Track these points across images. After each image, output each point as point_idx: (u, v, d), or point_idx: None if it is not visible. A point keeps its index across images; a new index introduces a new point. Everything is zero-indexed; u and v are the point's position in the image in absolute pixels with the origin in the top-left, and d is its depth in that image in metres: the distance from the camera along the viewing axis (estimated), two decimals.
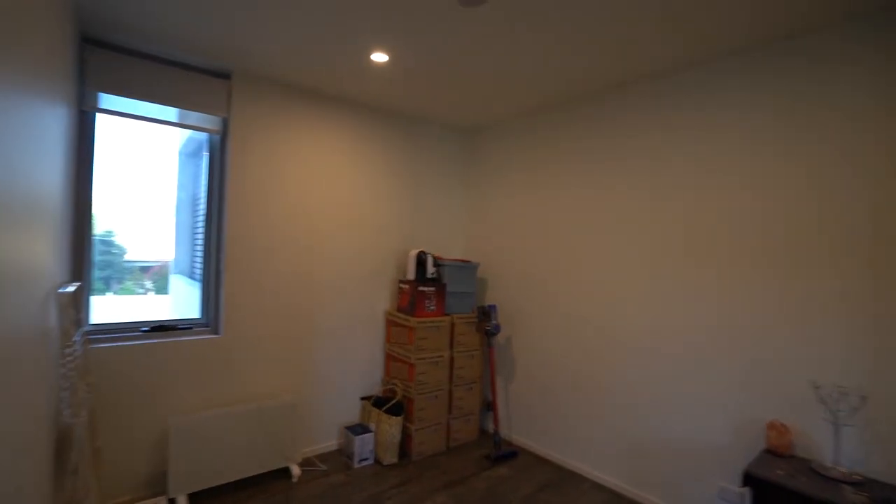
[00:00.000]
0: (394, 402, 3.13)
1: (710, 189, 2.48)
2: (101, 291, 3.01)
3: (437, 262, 3.43)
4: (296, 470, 2.82)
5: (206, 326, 2.91)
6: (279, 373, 3.02)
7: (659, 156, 2.70)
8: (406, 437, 3.16)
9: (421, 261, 3.36)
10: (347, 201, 3.30)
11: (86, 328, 2.47)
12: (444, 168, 3.90)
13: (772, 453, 2.14)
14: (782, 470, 1.97)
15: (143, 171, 3.16)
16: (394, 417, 3.05)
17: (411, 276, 3.37)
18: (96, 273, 2.96)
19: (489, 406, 3.52)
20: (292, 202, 3.05)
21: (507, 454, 3.23)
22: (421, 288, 3.26)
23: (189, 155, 3.37)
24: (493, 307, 3.43)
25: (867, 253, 1.99)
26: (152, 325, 2.71)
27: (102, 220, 2.89)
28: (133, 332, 2.64)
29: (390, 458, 3.06)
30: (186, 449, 2.49)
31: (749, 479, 1.96)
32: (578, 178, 3.13)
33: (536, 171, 3.41)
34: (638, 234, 2.79)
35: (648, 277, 2.73)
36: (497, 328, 3.40)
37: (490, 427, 3.56)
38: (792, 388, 2.17)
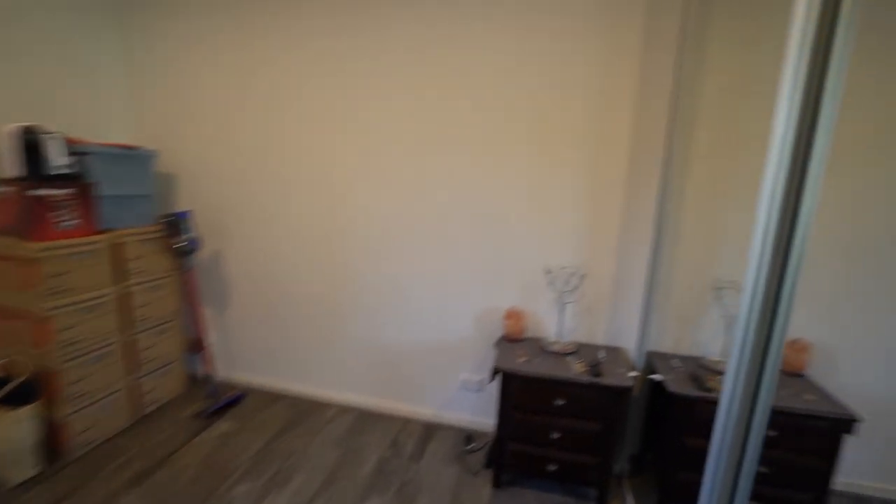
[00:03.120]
0: (15, 384, 1.88)
1: (450, 78, 2.09)
2: None
3: (76, 149, 2.06)
4: None
5: None
6: None
7: (400, 42, 2.10)
8: (53, 430, 2.02)
9: (32, 143, 1.93)
10: None
11: None
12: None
13: (509, 340, 2.18)
14: (522, 356, 2.00)
15: None
16: (19, 410, 1.85)
17: (16, 170, 1.93)
18: None
19: (197, 347, 2.64)
20: None
21: (229, 401, 2.52)
22: (40, 192, 1.91)
23: None
24: (184, 215, 2.39)
25: (590, 148, 2.01)
26: None
27: None
28: None
29: (24, 471, 1.90)
30: None
31: (497, 372, 1.92)
32: (306, 52, 2.25)
33: (249, 27, 2.31)
34: (370, 124, 2.23)
35: (383, 171, 2.26)
36: (194, 243, 2.42)
37: (202, 372, 2.72)
38: (526, 275, 2.21)
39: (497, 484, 2.00)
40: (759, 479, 1.71)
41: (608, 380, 1.81)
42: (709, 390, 1.75)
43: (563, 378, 1.84)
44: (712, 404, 1.73)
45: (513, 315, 2.18)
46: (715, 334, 2.03)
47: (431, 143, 2.19)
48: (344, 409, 2.54)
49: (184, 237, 2.38)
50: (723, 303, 1.98)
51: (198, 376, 2.79)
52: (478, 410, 2.41)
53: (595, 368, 1.87)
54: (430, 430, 2.40)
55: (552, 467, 1.92)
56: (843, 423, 1.65)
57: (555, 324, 2.20)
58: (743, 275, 1.93)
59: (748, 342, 1.05)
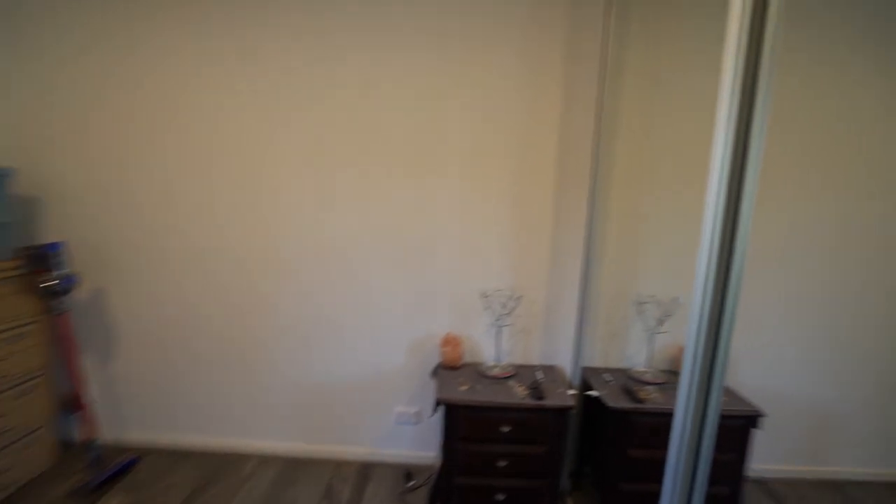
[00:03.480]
0: None
1: (380, 110, 2.01)
2: None
3: None
4: None
5: None
6: None
7: (322, 68, 1.98)
8: None
9: None
10: None
11: None
12: None
13: (447, 367, 2.11)
14: (463, 384, 1.94)
15: None
16: None
17: None
18: None
19: (73, 406, 2.17)
20: None
21: (119, 469, 2.10)
22: None
23: None
24: (54, 247, 1.97)
25: (519, 175, 2.05)
26: None
27: None
28: None
29: None
30: None
31: (440, 404, 1.83)
32: (210, 43, 2.01)
33: (125, 19, 2.00)
34: (292, 149, 2.06)
35: (307, 196, 2.10)
36: (68, 281, 2.01)
37: (82, 436, 2.25)
38: (461, 300, 2.16)
39: None
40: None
41: (550, 401, 1.82)
42: (641, 401, 1.83)
43: (508, 404, 1.81)
44: (646, 415, 1.81)
45: (450, 341, 2.11)
46: (639, 346, 2.16)
47: (357, 172, 2.07)
48: (266, 460, 2.26)
49: (54, 274, 1.96)
50: (645, 316, 2.11)
51: (75, 442, 2.30)
52: (416, 444, 2.29)
53: (536, 391, 1.88)
54: (366, 471, 2.22)
55: (500, 497, 1.87)
56: (752, 419, 1.83)
57: (491, 347, 2.18)
58: (660, 290, 2.09)
59: (698, 358, 1.09)
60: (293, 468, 2.21)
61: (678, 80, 1.96)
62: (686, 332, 1.12)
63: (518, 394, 1.87)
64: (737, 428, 1.84)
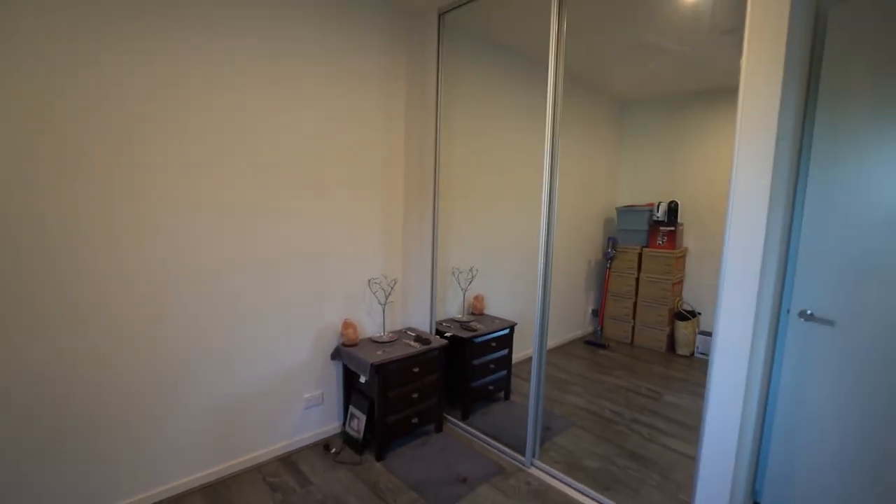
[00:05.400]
0: None
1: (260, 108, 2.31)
2: None
3: None
4: None
5: None
6: None
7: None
8: None
9: None
10: None
11: None
12: None
13: (348, 345, 2.63)
14: (376, 350, 2.56)
15: None
16: None
17: None
18: None
19: None
20: None
21: None
22: None
23: None
24: None
25: (385, 190, 2.81)
26: None
27: None
28: None
29: None
30: None
31: (374, 367, 2.41)
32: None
33: None
34: (183, 145, 2.06)
35: (199, 207, 2.14)
36: None
37: None
38: (349, 292, 2.71)
39: (379, 457, 2.48)
40: (490, 371, 3.12)
41: (435, 343, 2.73)
42: (475, 331, 3.00)
43: (415, 352, 2.60)
44: (480, 336, 2.99)
45: (350, 325, 2.64)
46: (453, 302, 3.32)
47: (252, 187, 2.28)
48: (174, 499, 2.08)
49: None
50: (456, 281, 3.29)
51: None
52: (322, 421, 2.65)
53: (423, 341, 2.73)
54: (290, 460, 2.43)
55: (415, 420, 2.63)
56: (512, 328, 3.32)
57: (369, 325, 2.83)
58: (462, 264, 3.30)
59: (541, 300, 2.33)
60: (217, 493, 2.16)
61: (481, 126, 3.20)
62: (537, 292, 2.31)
63: (414, 345, 2.67)
64: (508, 336, 3.29)
